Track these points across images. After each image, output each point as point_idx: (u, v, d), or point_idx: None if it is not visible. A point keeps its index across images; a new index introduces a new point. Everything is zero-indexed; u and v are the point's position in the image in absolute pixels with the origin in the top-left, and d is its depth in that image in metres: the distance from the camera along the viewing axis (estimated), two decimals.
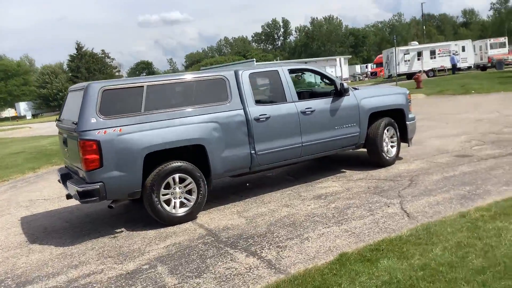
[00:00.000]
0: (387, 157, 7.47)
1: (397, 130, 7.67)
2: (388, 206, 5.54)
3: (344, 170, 7.65)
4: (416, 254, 3.98)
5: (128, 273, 4.43)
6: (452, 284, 3.36)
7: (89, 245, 5.35)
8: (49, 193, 8.55)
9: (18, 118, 69.29)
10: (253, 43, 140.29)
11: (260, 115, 6.25)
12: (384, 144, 7.46)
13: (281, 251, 4.55)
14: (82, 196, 5.26)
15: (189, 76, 6.14)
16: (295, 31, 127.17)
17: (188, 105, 5.87)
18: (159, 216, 5.62)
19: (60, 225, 6.38)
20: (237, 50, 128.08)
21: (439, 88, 22.24)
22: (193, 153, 5.88)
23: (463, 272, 3.52)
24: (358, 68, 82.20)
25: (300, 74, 8.18)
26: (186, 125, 5.72)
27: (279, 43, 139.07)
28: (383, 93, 7.67)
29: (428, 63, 38.93)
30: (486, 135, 9.33)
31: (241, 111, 6.14)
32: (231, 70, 6.40)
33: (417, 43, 45.16)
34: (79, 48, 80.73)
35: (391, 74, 39.35)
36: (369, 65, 70.05)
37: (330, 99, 6.99)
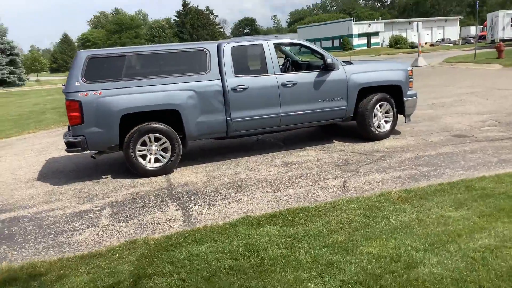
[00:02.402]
0: (377, 132, 7.53)
1: (394, 106, 7.63)
2: (335, 179, 5.81)
3: (334, 141, 7.86)
4: (299, 224, 4.35)
5: (80, 212, 5.36)
6: (285, 250, 3.74)
7: (74, 186, 6.41)
8: None
9: None
10: (361, 0, 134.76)
11: (237, 86, 6.71)
12: (376, 119, 7.52)
13: (207, 208, 5.15)
14: (68, 146, 6.28)
15: (171, 48, 6.75)
16: None
17: (167, 74, 6.52)
18: (135, 168, 6.49)
19: (70, 167, 7.57)
20: (342, 8, 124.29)
21: None
22: (171, 117, 6.57)
23: (310, 243, 3.85)
24: (473, 30, 75.83)
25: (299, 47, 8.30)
26: (162, 91, 6.40)
27: (389, 0, 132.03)
28: (378, 68, 7.62)
29: None
30: None
31: (219, 82, 6.65)
32: (214, 43, 6.89)
33: None
34: (185, 4, 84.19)
35: (494, 39, 36.01)
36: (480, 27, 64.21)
37: (316, 73, 7.18)
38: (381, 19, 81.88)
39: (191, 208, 5.21)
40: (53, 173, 7.26)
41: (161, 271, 3.63)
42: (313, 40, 76.85)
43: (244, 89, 6.75)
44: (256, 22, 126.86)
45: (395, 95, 7.65)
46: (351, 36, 70.38)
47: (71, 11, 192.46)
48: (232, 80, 6.71)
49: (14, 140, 10.82)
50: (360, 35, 71.03)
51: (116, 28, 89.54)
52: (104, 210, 5.36)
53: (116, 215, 5.15)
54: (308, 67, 7.84)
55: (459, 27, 76.23)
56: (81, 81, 6.12)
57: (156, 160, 6.59)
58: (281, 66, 8.51)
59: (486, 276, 3.03)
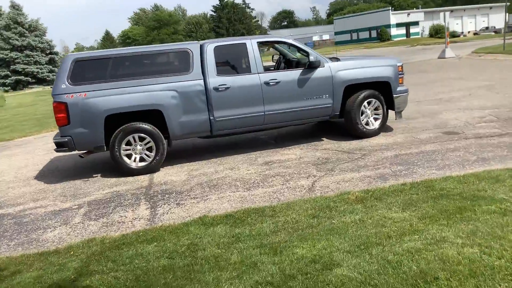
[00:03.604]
0: (365, 129, 7.48)
1: (383, 103, 7.55)
2: (307, 178, 5.86)
3: (323, 139, 7.87)
4: (248, 224, 4.46)
5: (59, 210, 5.68)
6: (221, 250, 3.87)
7: (64, 185, 6.76)
8: None
9: None
10: None
11: (219, 85, 6.85)
12: (364, 116, 7.47)
13: (175, 207, 5.34)
14: (56, 146, 6.63)
15: (153, 49, 6.97)
16: None
17: (150, 75, 6.74)
18: (120, 168, 6.77)
19: (68, 166, 7.97)
20: None
21: None
22: (155, 117, 6.79)
23: (247, 243, 3.96)
24: None
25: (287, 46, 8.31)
26: (144, 92, 6.62)
27: None
28: (365, 65, 7.53)
29: None
30: None
31: (201, 81, 6.81)
32: (198, 43, 7.05)
33: None
34: None
35: None
36: None
37: (300, 71, 7.21)
38: (424, 8, 79.14)
39: (160, 207, 5.41)
40: (51, 172, 7.67)
41: (101, 269, 3.85)
42: (349, 31, 75.72)
43: (227, 88, 6.88)
44: (295, 14, 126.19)
45: (384, 91, 7.55)
46: (389, 26, 68.71)
47: (114, 8, 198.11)
48: (215, 80, 6.85)
49: (32, 139, 11.44)
50: (398, 25, 69.23)
51: (155, 24, 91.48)
52: (81, 208, 5.65)
53: (90, 214, 5.42)
54: (297, 64, 7.86)
55: (506, 14, 72.75)
56: (67, 83, 6.44)
57: (141, 159, 6.84)
58: (275, 64, 8.63)
59: (390, 279, 3.05)
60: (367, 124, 7.52)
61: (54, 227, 5.12)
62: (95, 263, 3.99)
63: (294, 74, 7.19)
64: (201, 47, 6.94)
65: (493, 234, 3.53)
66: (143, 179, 6.62)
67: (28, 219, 5.45)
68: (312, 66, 7.15)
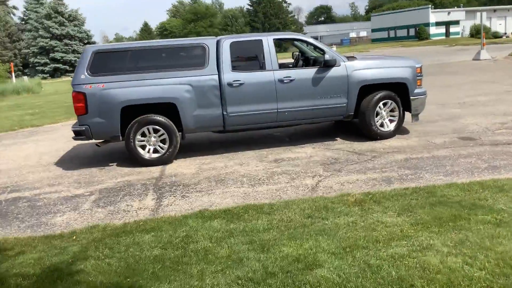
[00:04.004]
0: (379, 131, 7.41)
1: (399, 104, 7.45)
2: (313, 178, 5.89)
3: (337, 139, 7.85)
4: (244, 220, 4.54)
5: (71, 196, 5.92)
6: (213, 244, 3.97)
7: (81, 172, 7.02)
8: None
9: None
10: None
11: (233, 81, 6.94)
12: (378, 117, 7.40)
13: (179, 199, 5.48)
14: (74, 134, 6.89)
15: (171, 43, 7.12)
16: None
17: (166, 68, 6.90)
18: (135, 158, 6.98)
19: (88, 153, 8.25)
20: None
21: None
22: (169, 109, 6.95)
23: (239, 239, 4.04)
24: None
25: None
26: (160, 85, 6.79)
27: None
28: (382, 65, 7.45)
29: None
30: None
31: (215, 76, 6.92)
32: (214, 38, 7.16)
33: None
34: None
35: None
36: None
37: (315, 69, 7.21)
38: (467, 6, 76.63)
39: (165, 198, 5.56)
40: (71, 159, 7.97)
41: (98, 255, 4.01)
42: (387, 29, 74.30)
43: (241, 84, 6.95)
44: (332, 9, 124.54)
45: (401, 93, 7.45)
46: (428, 24, 66.94)
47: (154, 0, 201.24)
48: (229, 75, 6.93)
49: (60, 126, 11.87)
50: (438, 24, 67.33)
51: (192, 17, 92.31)
52: (92, 195, 5.87)
53: (99, 201, 5.63)
54: (313, 62, 7.86)
55: None
56: (86, 74, 6.67)
57: (155, 151, 7.01)
58: (293, 61, 8.65)
59: (367, 283, 3.07)
60: (381, 125, 7.45)
61: (63, 212, 5.36)
62: (93, 249, 4.17)
63: (309, 72, 7.20)
64: (218, 42, 7.04)
65: (481, 245, 3.49)
66: (155, 170, 6.80)
67: (41, 203, 5.71)
68: (327, 65, 7.13)
